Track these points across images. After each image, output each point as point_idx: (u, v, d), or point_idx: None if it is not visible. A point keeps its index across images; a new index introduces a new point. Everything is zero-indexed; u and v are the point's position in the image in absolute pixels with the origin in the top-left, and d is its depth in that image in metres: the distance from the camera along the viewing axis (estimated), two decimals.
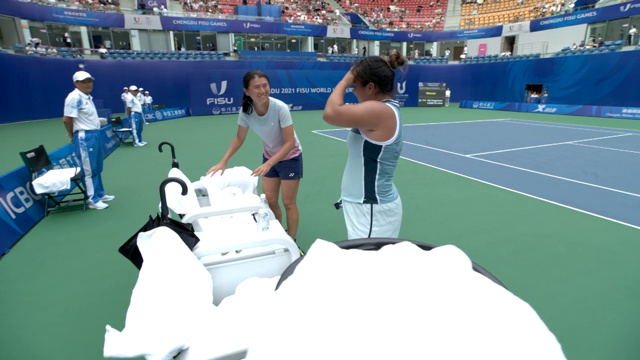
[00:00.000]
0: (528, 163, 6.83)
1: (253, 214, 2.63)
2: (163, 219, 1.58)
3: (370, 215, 1.71)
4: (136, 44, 22.18)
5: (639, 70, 17.04)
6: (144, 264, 1.31)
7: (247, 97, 2.64)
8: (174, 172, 2.77)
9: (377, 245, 0.93)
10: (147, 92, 13.97)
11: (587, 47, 20.69)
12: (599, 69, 18.54)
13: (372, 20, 29.92)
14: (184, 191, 1.67)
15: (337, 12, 29.46)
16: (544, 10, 25.29)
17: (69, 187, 4.17)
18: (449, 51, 29.31)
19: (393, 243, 0.86)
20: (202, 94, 17.98)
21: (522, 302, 0.59)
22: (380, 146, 1.61)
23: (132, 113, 8.92)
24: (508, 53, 25.95)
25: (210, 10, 24.86)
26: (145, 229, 1.56)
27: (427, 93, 23.72)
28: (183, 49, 23.12)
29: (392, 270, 0.68)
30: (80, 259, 3.11)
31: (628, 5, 19.65)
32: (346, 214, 1.85)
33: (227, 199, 2.89)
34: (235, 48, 23.95)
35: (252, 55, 23.70)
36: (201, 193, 3.15)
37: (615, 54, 18.14)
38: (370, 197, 1.70)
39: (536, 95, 21.12)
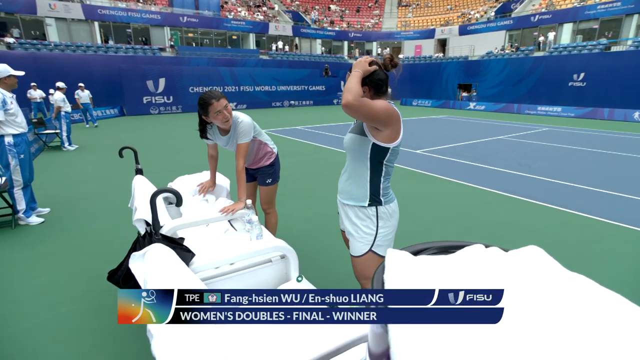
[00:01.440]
0: (471, 157, 7.43)
1: (229, 221, 2.47)
2: (155, 234, 1.39)
3: (377, 218, 1.70)
4: (53, 35, 19.58)
5: (548, 73, 19.52)
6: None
7: (203, 122, 2.36)
8: (139, 180, 2.49)
9: (440, 248, 0.91)
10: (81, 85, 12.25)
11: (507, 51, 23.16)
12: (517, 71, 20.84)
13: (313, 18, 30.13)
14: (179, 202, 1.49)
15: (276, 7, 29.13)
16: (470, 16, 27.71)
17: None
18: (387, 49, 30.70)
19: (460, 247, 0.84)
20: (137, 91, 16.51)
21: (616, 294, 0.61)
22: (388, 148, 1.60)
23: (62, 113, 7.85)
24: (441, 54, 27.97)
25: (141, 1, 22.92)
26: (135, 248, 1.37)
27: None
28: (111, 42, 20.98)
29: (494, 274, 0.66)
30: (21, 287, 2.65)
31: (537, 16, 22.44)
32: (347, 217, 1.82)
33: (200, 207, 2.67)
34: (172, 43, 22.41)
35: (191, 51, 22.35)
36: (168, 201, 2.87)
37: (529, 58, 20.56)
38: (375, 200, 1.70)
39: (467, 94, 23.09)
